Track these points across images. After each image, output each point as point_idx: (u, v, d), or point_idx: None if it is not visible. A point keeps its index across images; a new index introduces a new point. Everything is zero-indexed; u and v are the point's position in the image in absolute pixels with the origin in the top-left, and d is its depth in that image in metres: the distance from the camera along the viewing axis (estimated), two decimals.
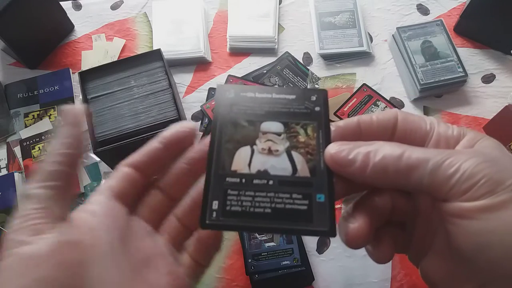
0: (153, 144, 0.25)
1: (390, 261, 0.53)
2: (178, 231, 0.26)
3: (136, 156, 0.25)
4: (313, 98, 0.26)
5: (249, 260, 0.51)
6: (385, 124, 0.24)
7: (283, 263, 0.51)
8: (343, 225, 0.24)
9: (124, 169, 0.25)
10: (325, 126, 0.25)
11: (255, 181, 0.23)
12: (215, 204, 0.22)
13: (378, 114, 0.25)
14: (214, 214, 0.22)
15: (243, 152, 0.24)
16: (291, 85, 0.65)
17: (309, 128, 0.25)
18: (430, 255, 0.24)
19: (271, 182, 0.23)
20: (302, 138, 0.24)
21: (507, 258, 0.19)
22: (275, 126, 0.25)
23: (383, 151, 0.22)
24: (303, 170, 0.23)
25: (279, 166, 0.23)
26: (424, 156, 0.21)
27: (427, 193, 0.21)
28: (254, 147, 0.24)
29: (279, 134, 0.24)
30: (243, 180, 0.23)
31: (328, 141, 0.24)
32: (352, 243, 0.23)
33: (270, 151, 0.24)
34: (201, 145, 0.26)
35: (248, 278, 0.52)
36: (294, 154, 0.24)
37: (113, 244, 0.22)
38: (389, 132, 0.24)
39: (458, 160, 0.20)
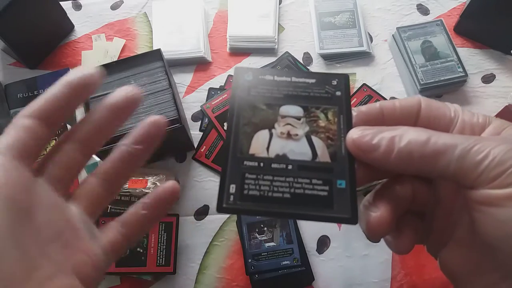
0: (56, 89, 0.21)
1: (390, 262, 0.53)
2: (98, 196, 0.23)
3: (37, 103, 0.21)
4: (334, 82, 0.25)
5: (249, 260, 0.51)
6: (409, 110, 0.24)
7: (283, 263, 0.51)
8: (364, 214, 0.23)
9: (24, 121, 0.21)
10: (346, 111, 0.24)
11: (274, 165, 0.22)
12: (232, 188, 0.22)
13: (401, 100, 0.24)
14: (232, 197, 0.22)
15: (261, 136, 0.23)
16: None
17: (330, 113, 0.24)
18: (450, 246, 0.24)
19: (290, 167, 0.22)
20: (322, 123, 0.24)
21: None
22: (295, 109, 0.24)
23: (408, 136, 0.21)
24: (323, 155, 0.23)
25: (299, 150, 0.23)
26: (452, 142, 0.20)
27: (453, 179, 0.20)
28: (273, 130, 0.23)
29: (298, 118, 0.24)
30: (261, 164, 0.23)
31: (349, 126, 0.23)
32: (374, 232, 0.22)
33: (289, 135, 0.23)
34: (124, 90, 0.23)
35: (248, 278, 0.52)
36: (314, 138, 0.23)
37: (13, 219, 0.18)
38: (413, 119, 0.24)
39: (487, 146, 0.19)
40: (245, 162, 0.23)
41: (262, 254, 0.52)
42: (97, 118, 0.23)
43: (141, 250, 0.52)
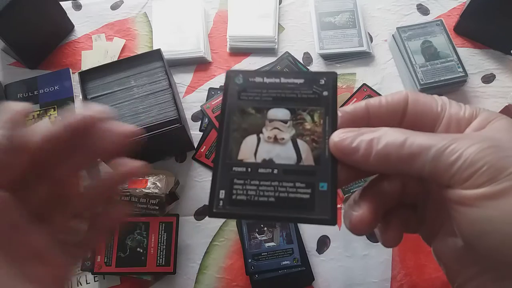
0: (53, 129, 0.23)
1: (390, 262, 0.53)
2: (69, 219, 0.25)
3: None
4: (322, 81, 0.25)
5: (249, 260, 0.51)
6: (395, 106, 0.24)
7: (283, 263, 0.51)
8: (347, 213, 0.24)
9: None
10: (332, 112, 0.24)
11: (260, 170, 0.23)
12: (222, 193, 0.23)
13: (387, 97, 0.24)
14: (221, 203, 0.23)
15: (250, 141, 0.24)
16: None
17: (316, 115, 0.24)
18: (440, 237, 0.24)
19: (275, 171, 0.23)
20: (308, 125, 0.24)
21: (506, 246, 0.19)
22: (282, 113, 0.25)
23: (386, 138, 0.21)
24: (307, 158, 0.23)
25: (284, 154, 0.24)
26: (427, 143, 0.20)
27: (430, 179, 0.21)
28: (261, 135, 0.24)
29: (285, 122, 0.24)
30: (249, 169, 0.23)
31: (334, 127, 0.24)
32: (355, 230, 0.23)
33: (276, 140, 0.24)
34: (109, 130, 0.25)
35: (248, 278, 0.52)
36: (300, 142, 0.24)
37: None
38: (399, 115, 0.24)
39: (461, 146, 0.20)
40: (234, 168, 0.23)
41: (262, 254, 0.52)
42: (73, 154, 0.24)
43: (141, 250, 0.52)
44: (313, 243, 0.54)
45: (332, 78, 0.25)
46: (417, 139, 0.21)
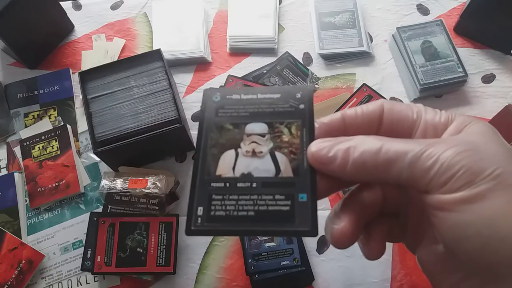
0: None
1: (390, 262, 0.53)
2: None
3: None
4: (298, 95, 0.25)
5: (249, 260, 0.51)
6: (370, 116, 0.24)
7: (283, 263, 0.51)
8: (328, 226, 0.24)
9: None
10: (309, 123, 0.24)
11: (239, 185, 0.23)
12: (200, 210, 0.22)
13: (363, 106, 0.24)
14: (199, 220, 0.22)
15: (228, 156, 0.24)
16: (291, 85, 0.65)
17: (293, 127, 0.24)
18: (424, 244, 0.24)
19: (254, 185, 0.23)
20: (286, 138, 0.24)
21: (485, 250, 0.18)
22: (259, 127, 0.25)
23: (362, 146, 0.21)
24: (286, 170, 0.23)
25: (263, 167, 0.23)
26: (403, 149, 0.20)
27: (408, 185, 0.21)
28: (239, 150, 0.24)
29: (263, 135, 0.24)
30: (227, 184, 0.23)
31: (312, 138, 0.24)
32: (337, 244, 0.23)
33: (254, 153, 0.24)
34: None
35: (248, 278, 0.52)
36: (278, 154, 0.24)
37: None
38: (376, 124, 0.24)
39: (437, 150, 0.19)
40: (212, 184, 0.23)
41: (262, 254, 0.52)
42: None
43: (141, 250, 0.52)
44: (313, 243, 0.54)
45: (308, 91, 0.25)
46: (393, 146, 0.20)
